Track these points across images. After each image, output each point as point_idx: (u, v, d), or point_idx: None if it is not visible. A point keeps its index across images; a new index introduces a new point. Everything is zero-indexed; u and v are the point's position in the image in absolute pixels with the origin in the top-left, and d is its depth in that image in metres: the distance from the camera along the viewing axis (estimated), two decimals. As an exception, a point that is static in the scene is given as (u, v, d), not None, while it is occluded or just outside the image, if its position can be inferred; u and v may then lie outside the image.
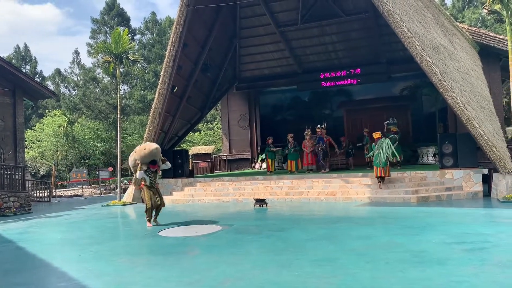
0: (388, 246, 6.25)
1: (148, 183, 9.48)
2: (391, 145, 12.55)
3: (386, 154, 12.42)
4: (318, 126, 16.39)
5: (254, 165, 23.36)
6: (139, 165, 9.38)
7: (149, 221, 9.56)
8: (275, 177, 15.24)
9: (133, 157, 9.53)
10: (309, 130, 16.52)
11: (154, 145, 9.51)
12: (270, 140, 17.33)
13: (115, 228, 9.73)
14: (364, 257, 5.66)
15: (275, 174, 16.47)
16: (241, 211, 11.52)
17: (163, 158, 9.80)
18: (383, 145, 12.56)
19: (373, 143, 13.58)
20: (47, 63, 79.88)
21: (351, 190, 13.11)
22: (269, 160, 17.01)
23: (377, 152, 12.57)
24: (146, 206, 9.45)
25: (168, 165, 9.82)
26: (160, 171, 14.45)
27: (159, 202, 9.57)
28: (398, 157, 13.31)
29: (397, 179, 13.20)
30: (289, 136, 16.89)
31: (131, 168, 9.69)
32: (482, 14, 38.77)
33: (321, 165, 16.06)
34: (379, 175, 12.70)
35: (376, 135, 13.43)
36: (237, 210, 11.91)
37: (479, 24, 39.61)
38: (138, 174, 9.31)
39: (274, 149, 17.18)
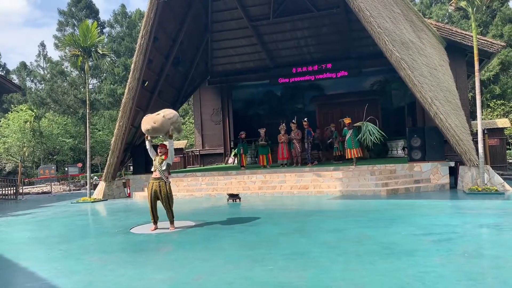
0: (359, 239, 6.36)
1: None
2: (376, 128, 13.75)
3: (373, 136, 13.53)
4: (292, 121, 16.49)
5: (227, 160, 23.31)
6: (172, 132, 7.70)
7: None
8: (248, 171, 15.26)
9: (166, 119, 7.69)
10: (283, 124, 16.57)
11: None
12: (243, 135, 17.27)
13: (85, 226, 9.52)
14: (336, 250, 5.74)
15: (248, 169, 16.49)
16: (214, 206, 11.48)
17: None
18: (368, 128, 13.80)
19: (345, 128, 14.75)
20: (12, 56, 77.17)
21: (323, 184, 13.26)
22: (243, 156, 16.95)
23: (363, 135, 13.67)
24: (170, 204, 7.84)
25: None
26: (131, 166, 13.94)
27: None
28: (380, 139, 13.95)
29: (367, 172, 13.43)
30: (261, 130, 16.87)
31: (158, 132, 7.75)
32: (449, 11, 39.84)
33: (308, 158, 16.08)
34: (355, 156, 14.16)
35: (347, 120, 14.64)
36: (210, 205, 11.88)
37: (446, 20, 40.70)
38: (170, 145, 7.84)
39: (264, 143, 16.59)
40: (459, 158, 12.82)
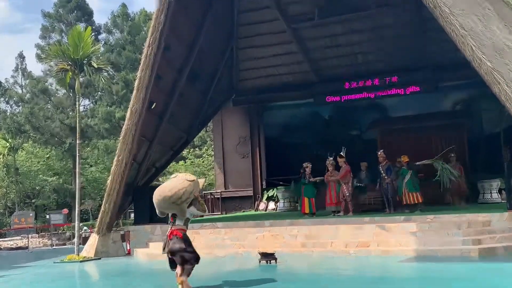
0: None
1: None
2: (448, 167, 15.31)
3: (450, 175, 14.96)
4: (339, 154, 16.48)
5: (258, 206, 23.22)
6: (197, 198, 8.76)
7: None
8: (287, 222, 15.05)
9: (188, 185, 8.59)
10: (331, 159, 16.52)
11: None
12: (308, 167, 16.82)
13: (71, 295, 9.58)
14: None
15: (285, 217, 16.29)
16: (242, 270, 11.36)
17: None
18: (444, 167, 15.20)
19: (402, 167, 15.77)
20: (-17, 71, 79.99)
21: (390, 240, 12.92)
22: (305, 199, 16.60)
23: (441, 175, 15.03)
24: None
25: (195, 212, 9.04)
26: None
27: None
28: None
29: (451, 224, 13.06)
30: (307, 166, 16.78)
31: (176, 206, 8.58)
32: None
33: (388, 204, 16.03)
34: (419, 201, 15.18)
35: (404, 158, 15.72)
36: (236, 268, 11.74)
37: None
38: (192, 210, 8.81)
39: (314, 179, 16.70)
40: None
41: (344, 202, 16.23)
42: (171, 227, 8.73)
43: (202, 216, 9.11)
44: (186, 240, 8.63)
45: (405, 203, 15.60)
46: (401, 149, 20.96)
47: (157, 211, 8.86)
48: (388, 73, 21.03)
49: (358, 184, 17.33)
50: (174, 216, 8.76)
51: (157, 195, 8.55)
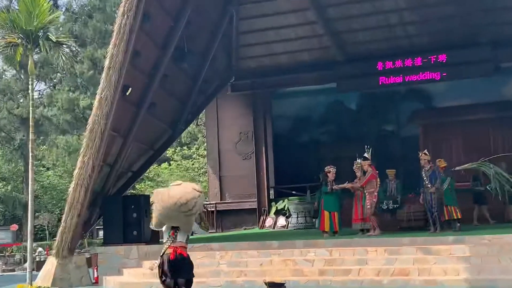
0: None
1: None
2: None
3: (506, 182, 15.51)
4: (363, 156, 16.62)
5: (264, 222, 23.20)
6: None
7: None
8: (301, 243, 15.06)
9: (199, 196, 8.87)
10: (359, 161, 16.60)
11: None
12: (331, 172, 16.87)
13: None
14: None
15: (301, 236, 16.26)
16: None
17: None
18: (497, 171, 15.71)
19: (441, 173, 16.04)
20: None
21: (435, 267, 12.96)
22: (326, 213, 16.66)
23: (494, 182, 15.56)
24: None
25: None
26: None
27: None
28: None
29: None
30: (330, 171, 16.83)
31: (185, 217, 8.86)
32: None
33: (433, 220, 16.15)
34: (457, 216, 15.59)
35: (441, 163, 16.11)
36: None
37: None
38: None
39: (339, 187, 16.77)
40: None
41: (367, 219, 16.30)
42: (170, 244, 8.75)
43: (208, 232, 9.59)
44: (191, 262, 8.87)
45: (443, 219, 15.93)
46: (450, 148, 21.04)
47: (154, 221, 8.86)
48: (434, 50, 20.94)
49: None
50: (176, 230, 8.83)
51: (165, 200, 8.62)
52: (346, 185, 16.79)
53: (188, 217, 8.73)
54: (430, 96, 22.85)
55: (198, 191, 8.79)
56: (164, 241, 8.83)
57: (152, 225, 8.93)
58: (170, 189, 8.92)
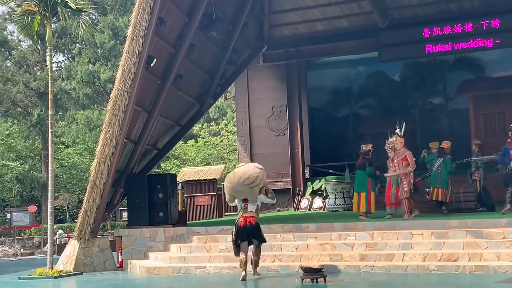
0: None
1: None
2: None
3: None
4: (395, 133, 16.36)
5: (300, 203, 23.21)
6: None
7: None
8: (340, 226, 15.04)
9: (259, 172, 12.97)
10: (393, 139, 16.31)
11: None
12: (368, 147, 17.09)
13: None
14: None
15: (340, 219, 16.23)
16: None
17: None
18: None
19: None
20: None
21: (487, 252, 12.86)
22: (362, 194, 16.80)
23: None
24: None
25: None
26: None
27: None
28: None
29: None
30: (366, 147, 16.92)
31: (250, 190, 12.82)
32: None
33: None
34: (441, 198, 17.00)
35: (445, 144, 17.58)
36: (270, 289, 11.77)
37: None
38: (262, 197, 13.02)
39: (388, 174, 16.71)
40: None
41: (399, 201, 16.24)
42: (243, 214, 12.75)
43: (273, 204, 14.44)
44: (260, 228, 12.90)
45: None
46: (503, 122, 20.79)
47: (227, 197, 13.15)
48: (486, 15, 20.66)
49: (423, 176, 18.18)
50: (246, 202, 12.81)
51: (232, 178, 12.91)
52: (392, 173, 16.47)
53: (251, 189, 12.71)
54: (481, 66, 22.59)
55: (259, 168, 13.05)
56: (238, 212, 13.09)
57: (227, 199, 13.26)
58: (235, 170, 13.22)
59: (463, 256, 12.87)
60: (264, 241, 12.94)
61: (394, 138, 16.16)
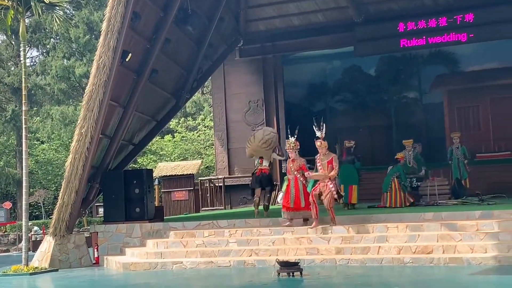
0: None
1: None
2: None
3: None
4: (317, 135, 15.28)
5: (276, 197, 23.22)
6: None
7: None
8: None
9: (273, 136, 16.80)
10: (293, 139, 15.69)
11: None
12: (351, 144, 18.19)
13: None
14: None
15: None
16: (253, 287, 11.43)
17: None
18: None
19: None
20: None
21: (460, 244, 12.97)
22: (354, 187, 17.98)
23: None
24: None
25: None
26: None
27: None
28: None
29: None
30: (349, 143, 17.69)
31: (264, 150, 16.58)
32: None
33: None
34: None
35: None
36: (246, 283, 11.83)
37: None
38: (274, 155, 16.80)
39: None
40: None
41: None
42: (259, 167, 16.69)
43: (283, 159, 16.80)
44: (271, 178, 17.05)
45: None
46: (477, 115, 20.99)
47: (248, 154, 17.10)
48: (460, 9, 20.75)
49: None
50: (262, 159, 16.65)
51: (252, 141, 16.44)
52: (320, 174, 15.15)
53: (267, 150, 16.50)
54: (455, 60, 22.75)
55: (273, 133, 17.08)
56: (255, 166, 16.98)
57: (247, 156, 17.28)
58: (255, 134, 16.95)
59: (438, 249, 12.98)
60: (273, 189, 17.60)
61: (318, 143, 15.06)
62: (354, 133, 19.30)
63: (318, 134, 15.17)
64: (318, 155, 15.18)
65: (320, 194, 14.64)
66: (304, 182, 15.22)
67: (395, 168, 17.89)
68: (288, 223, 14.96)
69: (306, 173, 15.20)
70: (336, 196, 14.70)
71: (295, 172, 15.18)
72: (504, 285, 10.29)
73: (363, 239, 13.93)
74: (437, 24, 20.75)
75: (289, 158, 15.64)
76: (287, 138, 15.54)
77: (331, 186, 14.56)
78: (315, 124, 15.20)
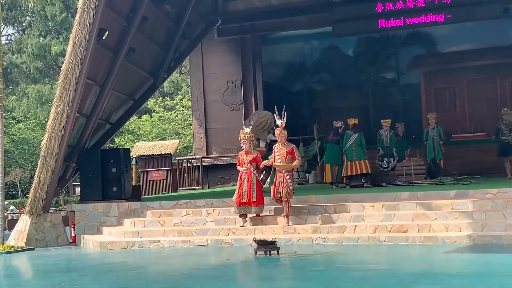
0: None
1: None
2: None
3: None
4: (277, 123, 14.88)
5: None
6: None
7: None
8: (292, 200, 15.04)
9: (268, 118, 17.56)
10: (247, 130, 15.18)
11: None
12: (339, 124, 18.87)
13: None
14: None
15: (294, 194, 16.28)
16: (230, 264, 11.47)
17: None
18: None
19: (347, 131, 18.39)
20: None
21: (435, 223, 13.14)
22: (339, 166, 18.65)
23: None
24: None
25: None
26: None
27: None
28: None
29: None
30: (337, 123, 18.51)
31: (260, 132, 17.53)
32: None
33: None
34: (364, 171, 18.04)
35: (351, 121, 18.36)
36: (223, 262, 11.87)
37: None
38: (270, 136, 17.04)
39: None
40: None
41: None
42: (257, 149, 16.04)
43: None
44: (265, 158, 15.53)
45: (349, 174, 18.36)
46: (453, 96, 21.12)
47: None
48: (437, -10, 20.79)
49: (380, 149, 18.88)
50: (258, 140, 17.08)
51: (252, 125, 16.12)
52: (281, 164, 14.57)
53: (262, 131, 17.68)
54: (433, 41, 22.83)
55: (268, 115, 17.80)
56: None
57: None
58: (252, 117, 18.13)
59: (413, 228, 13.17)
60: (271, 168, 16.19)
61: (278, 132, 14.54)
62: (331, 114, 19.33)
63: (278, 122, 14.73)
64: (277, 144, 14.75)
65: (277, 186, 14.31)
66: (257, 175, 14.81)
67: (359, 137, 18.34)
68: (242, 222, 14.51)
69: (267, 162, 14.89)
70: (292, 188, 14.39)
71: (249, 165, 14.74)
72: (478, 263, 10.38)
73: (340, 218, 14.06)
74: (415, 4, 20.81)
75: (243, 150, 15.04)
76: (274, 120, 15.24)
77: (287, 177, 14.22)
78: (276, 112, 14.83)
